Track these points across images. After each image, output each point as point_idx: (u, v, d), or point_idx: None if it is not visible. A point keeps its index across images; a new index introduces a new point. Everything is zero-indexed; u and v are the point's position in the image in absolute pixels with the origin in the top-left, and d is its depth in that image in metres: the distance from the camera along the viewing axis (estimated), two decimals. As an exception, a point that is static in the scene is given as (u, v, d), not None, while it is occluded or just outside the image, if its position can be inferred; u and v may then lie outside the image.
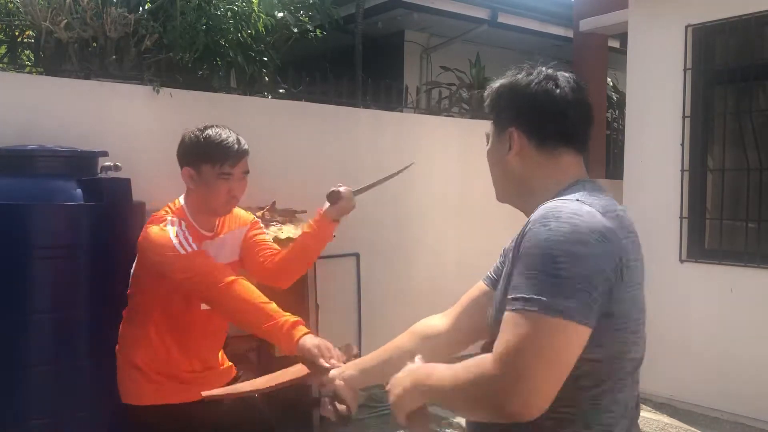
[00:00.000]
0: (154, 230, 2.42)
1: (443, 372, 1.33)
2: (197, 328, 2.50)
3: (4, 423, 3.31)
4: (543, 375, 1.17)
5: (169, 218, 2.44)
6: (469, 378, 1.25)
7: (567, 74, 1.46)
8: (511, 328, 1.20)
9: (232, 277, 2.24)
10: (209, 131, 2.49)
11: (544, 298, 1.19)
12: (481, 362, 1.24)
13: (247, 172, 2.51)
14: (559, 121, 1.43)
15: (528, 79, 1.45)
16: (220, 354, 2.72)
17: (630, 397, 1.49)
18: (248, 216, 2.68)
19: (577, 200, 1.30)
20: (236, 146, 2.45)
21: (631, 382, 1.49)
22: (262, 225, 2.68)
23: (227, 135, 2.48)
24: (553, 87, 1.43)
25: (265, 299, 2.23)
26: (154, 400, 2.43)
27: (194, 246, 2.33)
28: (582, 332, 1.21)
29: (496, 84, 1.51)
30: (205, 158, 2.41)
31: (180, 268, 2.29)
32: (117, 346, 2.62)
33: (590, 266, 1.23)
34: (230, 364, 2.76)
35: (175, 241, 2.32)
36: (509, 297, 1.24)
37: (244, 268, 2.63)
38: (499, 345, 1.21)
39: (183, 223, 2.43)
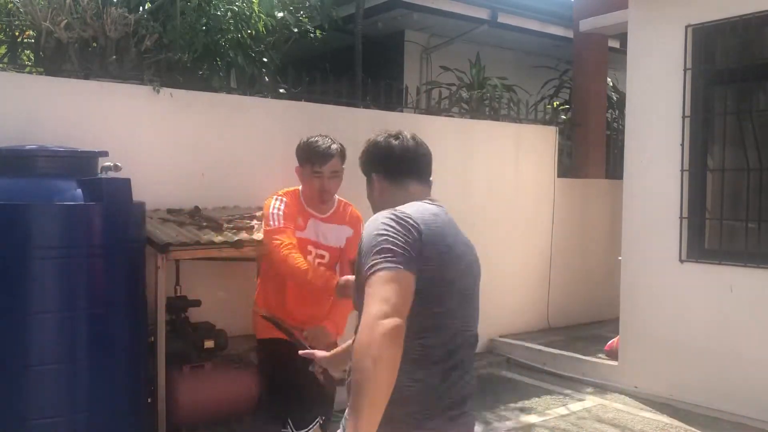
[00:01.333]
0: (266, 202, 3.24)
1: None
2: (291, 291, 3.20)
3: (3, 423, 3.31)
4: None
5: (278, 194, 3.21)
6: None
7: (408, 133, 2.14)
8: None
9: (287, 252, 2.98)
10: (311, 139, 3.15)
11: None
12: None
13: (336, 171, 3.09)
14: (400, 164, 2.07)
15: (378, 139, 2.16)
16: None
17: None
18: (359, 222, 3.26)
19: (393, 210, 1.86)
20: (324, 151, 3.06)
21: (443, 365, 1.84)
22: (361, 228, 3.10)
23: (321, 142, 3.10)
24: (394, 142, 2.11)
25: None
26: (263, 334, 3.26)
27: (281, 222, 3.07)
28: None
29: (363, 148, 2.19)
30: (305, 160, 3.11)
31: (265, 238, 3.21)
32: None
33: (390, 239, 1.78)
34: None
35: (271, 213, 3.12)
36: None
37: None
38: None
39: (284, 199, 3.14)
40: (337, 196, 3.25)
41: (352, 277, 2.53)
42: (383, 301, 1.66)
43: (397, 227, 1.79)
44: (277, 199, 3.18)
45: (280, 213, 3.11)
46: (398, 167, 2.08)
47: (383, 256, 1.73)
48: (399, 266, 1.72)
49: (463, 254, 1.92)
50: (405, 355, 1.67)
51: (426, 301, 1.79)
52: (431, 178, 2.14)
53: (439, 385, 1.82)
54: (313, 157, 3.09)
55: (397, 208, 1.88)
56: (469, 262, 1.94)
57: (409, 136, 2.14)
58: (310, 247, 3.15)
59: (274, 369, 3.26)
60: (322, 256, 3.13)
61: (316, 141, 3.12)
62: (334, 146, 3.11)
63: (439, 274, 1.81)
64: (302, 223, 3.14)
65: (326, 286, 2.91)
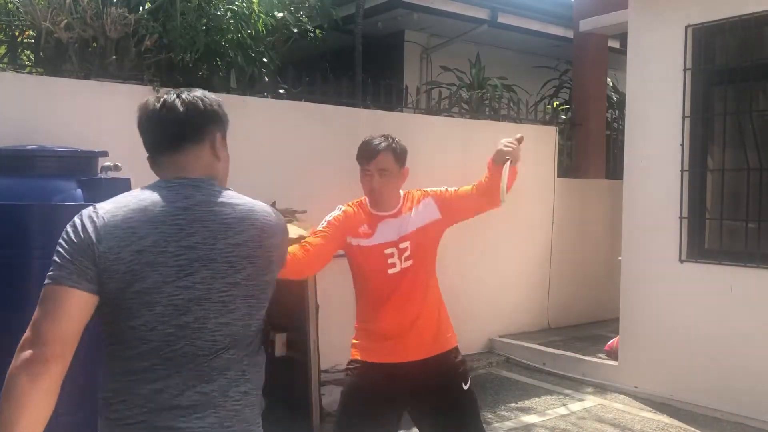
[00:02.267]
0: None
1: None
2: (369, 298, 3.11)
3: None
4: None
5: (345, 204, 3.11)
6: None
7: (171, 95, 1.82)
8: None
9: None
10: (367, 137, 3.01)
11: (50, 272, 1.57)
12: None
13: (385, 169, 2.87)
14: (144, 137, 1.82)
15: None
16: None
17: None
18: (420, 193, 3.00)
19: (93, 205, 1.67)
20: (370, 147, 2.91)
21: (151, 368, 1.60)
22: (436, 189, 2.99)
23: (370, 140, 2.96)
24: (142, 108, 1.86)
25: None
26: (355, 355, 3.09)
27: (320, 226, 3.02)
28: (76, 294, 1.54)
29: None
30: (357, 159, 3.00)
31: None
32: None
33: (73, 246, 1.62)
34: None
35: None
36: None
37: (456, 216, 3.07)
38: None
39: (344, 208, 3.07)
40: (402, 191, 3.01)
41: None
42: (31, 326, 1.56)
43: (71, 231, 1.62)
44: (337, 209, 3.09)
45: (327, 219, 3.05)
46: (145, 143, 1.81)
47: (51, 267, 1.56)
48: (59, 281, 1.54)
49: (177, 254, 1.57)
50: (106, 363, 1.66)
51: (116, 314, 1.60)
52: (189, 145, 1.76)
53: (146, 395, 1.62)
54: (360, 155, 2.96)
55: (99, 204, 1.67)
56: (189, 261, 1.58)
57: (163, 99, 1.83)
58: (387, 250, 2.92)
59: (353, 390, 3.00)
60: (404, 249, 2.90)
61: (368, 139, 2.99)
62: (383, 143, 2.91)
63: (127, 284, 1.55)
64: (369, 230, 2.95)
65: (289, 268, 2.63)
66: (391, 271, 2.88)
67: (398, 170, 2.90)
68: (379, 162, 2.87)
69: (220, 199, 1.68)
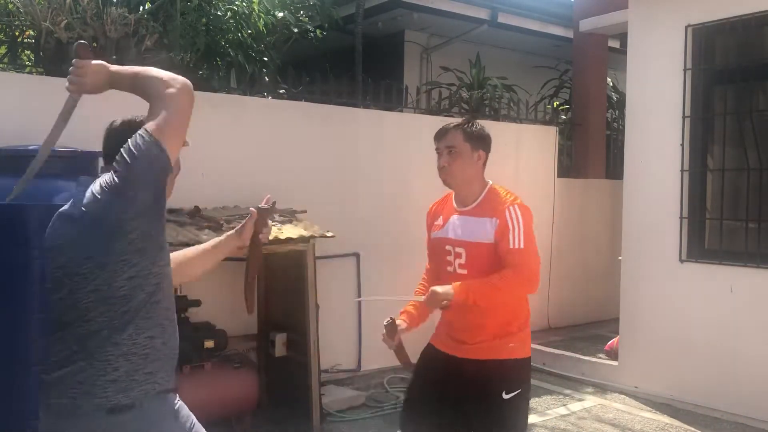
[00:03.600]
0: None
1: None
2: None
3: (4, 423, 3.31)
4: None
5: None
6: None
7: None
8: None
9: None
10: None
11: None
12: None
13: (452, 146, 2.80)
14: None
15: None
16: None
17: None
18: (501, 208, 2.76)
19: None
20: (441, 128, 2.87)
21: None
22: (510, 222, 2.72)
23: (444, 122, 2.94)
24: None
25: None
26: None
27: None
28: None
29: None
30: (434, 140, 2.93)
31: None
32: None
33: None
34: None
35: None
36: None
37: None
38: None
39: (437, 201, 3.05)
40: (491, 185, 2.88)
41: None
42: None
43: None
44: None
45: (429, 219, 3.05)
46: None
47: None
48: None
49: (53, 235, 1.89)
50: None
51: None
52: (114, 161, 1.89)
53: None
54: (434, 136, 2.89)
55: None
56: (58, 245, 1.84)
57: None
58: (447, 247, 2.84)
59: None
60: (459, 254, 2.80)
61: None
62: (455, 123, 2.84)
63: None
64: (442, 222, 2.91)
65: None
66: (449, 269, 2.85)
67: (469, 151, 2.79)
68: (448, 140, 2.81)
69: None
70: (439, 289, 2.71)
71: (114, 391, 1.72)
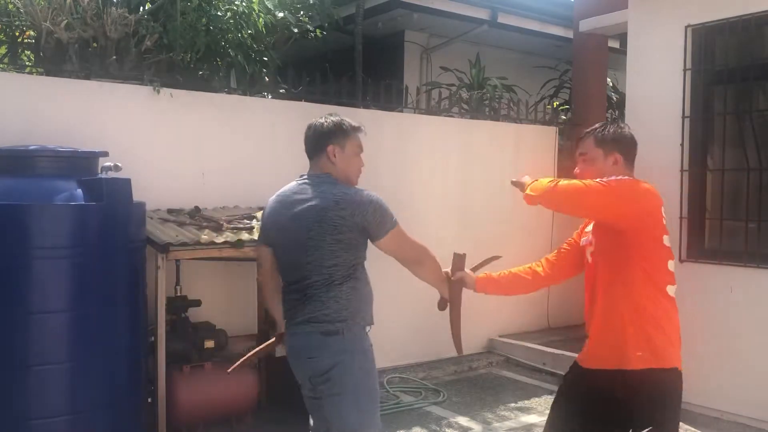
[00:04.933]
0: None
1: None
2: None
3: (4, 423, 3.31)
4: None
5: None
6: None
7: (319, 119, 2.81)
8: None
9: None
10: None
11: None
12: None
13: (583, 153, 2.77)
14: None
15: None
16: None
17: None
18: None
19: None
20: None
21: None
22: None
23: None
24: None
25: None
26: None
27: None
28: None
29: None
30: None
31: None
32: None
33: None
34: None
35: None
36: None
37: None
38: None
39: None
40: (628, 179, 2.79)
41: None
42: (420, 246, 2.81)
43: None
44: None
45: None
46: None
47: (392, 218, 2.71)
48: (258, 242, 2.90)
49: (283, 220, 2.68)
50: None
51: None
52: (317, 156, 2.75)
53: (285, 308, 2.72)
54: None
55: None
56: (284, 226, 2.68)
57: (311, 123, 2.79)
58: (583, 240, 2.91)
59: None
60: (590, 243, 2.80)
61: None
62: (588, 129, 2.82)
63: (272, 238, 2.77)
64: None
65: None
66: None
67: (602, 156, 2.72)
68: (582, 146, 2.79)
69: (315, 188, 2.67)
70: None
71: None
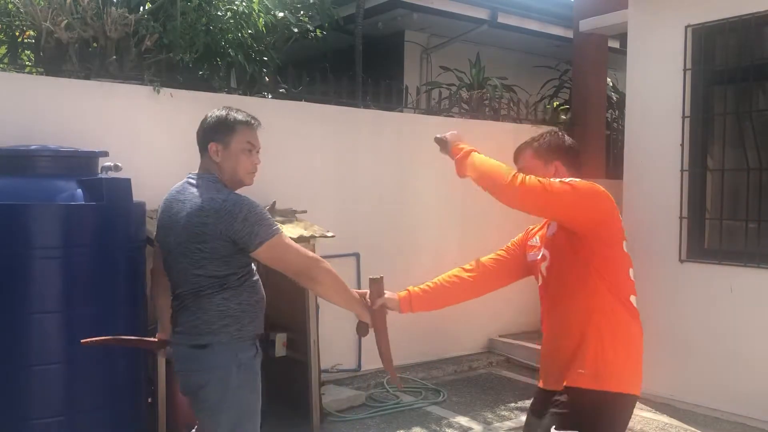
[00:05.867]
0: None
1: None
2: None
3: (4, 423, 3.31)
4: None
5: None
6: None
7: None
8: None
9: None
10: None
11: None
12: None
13: (523, 168, 2.57)
14: None
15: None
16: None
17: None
18: None
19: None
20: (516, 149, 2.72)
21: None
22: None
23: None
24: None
25: None
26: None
27: None
28: None
29: None
30: None
31: None
32: None
33: None
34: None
35: None
36: None
37: None
38: None
39: None
40: None
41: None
42: (308, 254, 2.56)
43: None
44: None
45: None
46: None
47: (271, 225, 2.47)
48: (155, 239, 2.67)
49: (165, 220, 2.53)
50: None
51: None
52: (202, 154, 2.56)
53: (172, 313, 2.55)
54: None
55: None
56: (164, 227, 2.53)
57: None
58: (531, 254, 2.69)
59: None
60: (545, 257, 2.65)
61: None
62: (523, 143, 2.67)
63: (159, 239, 2.62)
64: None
65: None
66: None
67: (542, 167, 2.54)
68: (519, 161, 2.65)
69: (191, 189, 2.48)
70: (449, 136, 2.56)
71: None
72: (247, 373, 2.46)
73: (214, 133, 2.51)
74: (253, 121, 2.56)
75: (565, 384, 2.33)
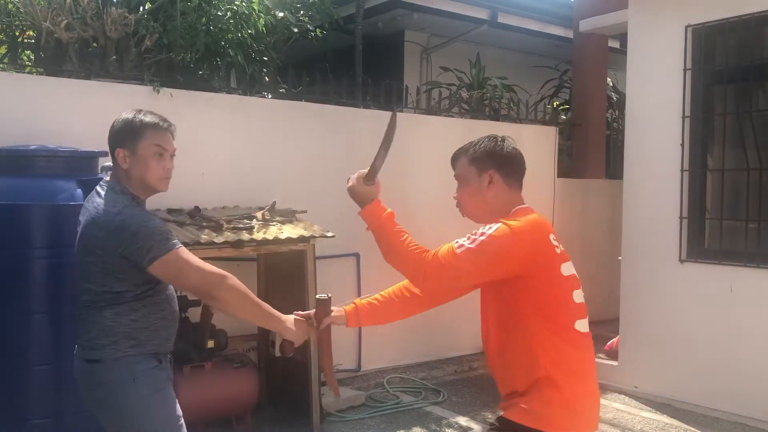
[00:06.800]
0: None
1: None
2: None
3: (3, 423, 3.31)
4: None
5: None
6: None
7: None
8: None
9: None
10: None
11: None
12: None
13: (458, 175, 2.45)
14: None
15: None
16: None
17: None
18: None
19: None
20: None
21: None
22: (480, 229, 2.28)
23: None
24: None
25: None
26: None
27: None
28: None
29: None
30: None
31: None
32: None
33: None
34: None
35: None
36: None
37: None
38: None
39: None
40: (519, 209, 2.42)
41: None
42: (209, 268, 2.35)
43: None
44: None
45: None
46: None
47: (167, 239, 2.34)
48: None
49: (78, 225, 2.39)
50: None
51: None
52: (113, 161, 2.41)
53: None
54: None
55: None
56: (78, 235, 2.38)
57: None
58: None
59: None
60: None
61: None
62: (463, 147, 2.49)
63: None
64: None
65: None
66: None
67: (476, 174, 2.37)
68: (455, 167, 2.48)
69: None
70: (364, 186, 2.50)
71: None
72: (148, 385, 2.32)
73: (122, 138, 2.35)
74: (162, 123, 2.39)
75: (503, 414, 2.27)
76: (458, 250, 2.18)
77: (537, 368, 2.17)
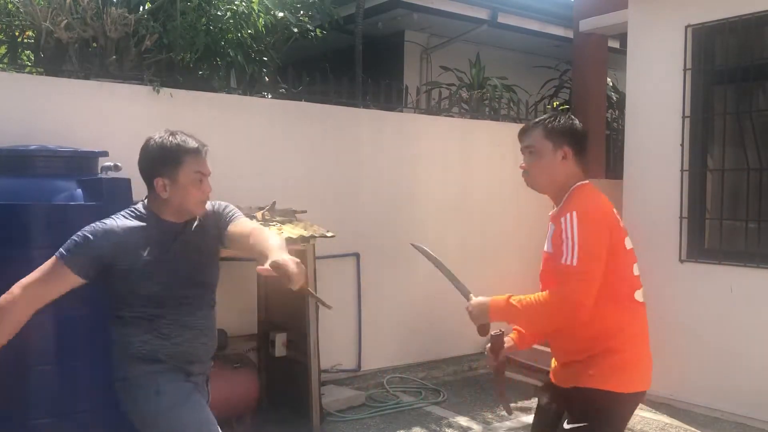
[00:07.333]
0: None
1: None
2: None
3: (3, 423, 3.31)
4: None
5: None
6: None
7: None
8: None
9: None
10: None
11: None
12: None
13: (529, 146, 2.54)
14: None
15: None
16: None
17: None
18: (563, 213, 2.41)
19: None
20: (522, 126, 2.66)
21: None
22: (564, 231, 2.35)
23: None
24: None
25: None
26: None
27: None
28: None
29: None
30: None
31: None
32: None
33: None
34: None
35: None
36: None
37: None
38: None
39: None
40: (580, 185, 2.48)
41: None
42: None
43: None
44: None
45: None
46: None
47: None
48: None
49: None
50: None
51: None
52: (148, 188, 2.43)
53: None
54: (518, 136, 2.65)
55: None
56: None
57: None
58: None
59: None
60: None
61: None
62: (536, 120, 2.57)
63: None
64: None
65: None
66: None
67: (551, 149, 2.45)
68: (526, 139, 2.54)
69: None
70: (475, 301, 2.48)
71: None
72: (172, 394, 2.37)
73: (160, 166, 2.31)
74: (201, 148, 2.36)
75: (574, 385, 2.41)
76: (571, 268, 2.26)
77: (601, 336, 2.34)
